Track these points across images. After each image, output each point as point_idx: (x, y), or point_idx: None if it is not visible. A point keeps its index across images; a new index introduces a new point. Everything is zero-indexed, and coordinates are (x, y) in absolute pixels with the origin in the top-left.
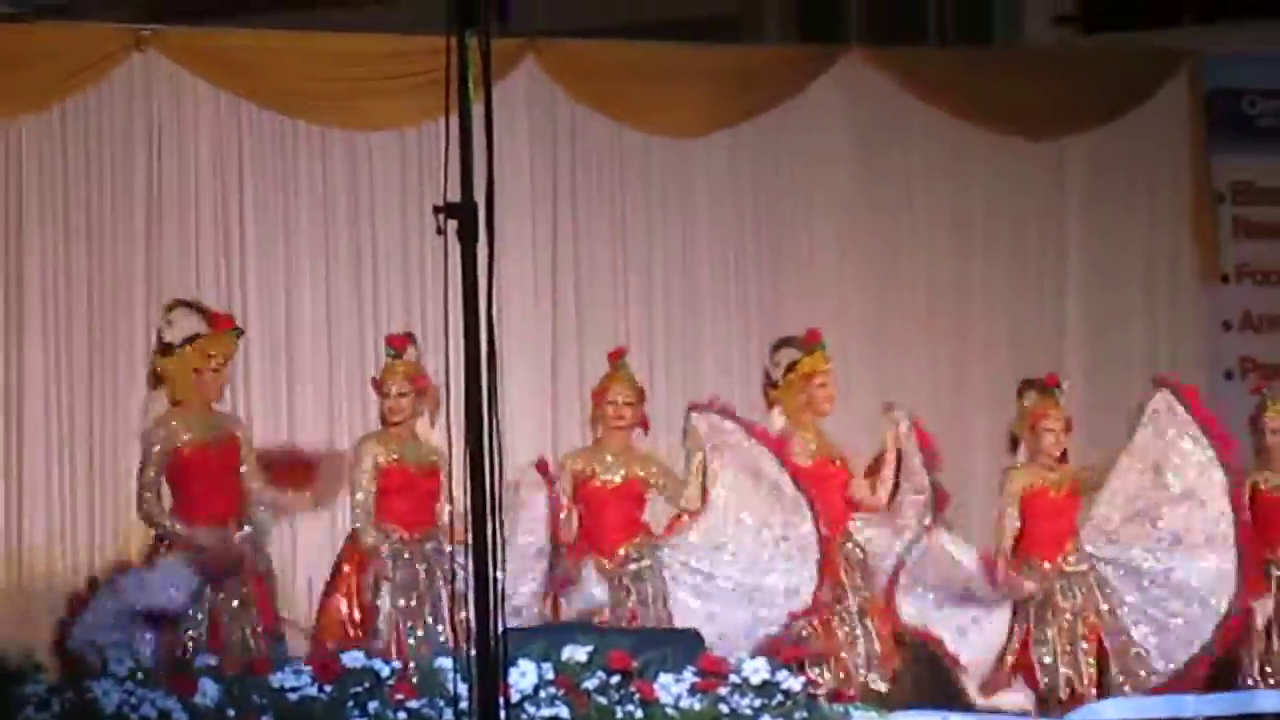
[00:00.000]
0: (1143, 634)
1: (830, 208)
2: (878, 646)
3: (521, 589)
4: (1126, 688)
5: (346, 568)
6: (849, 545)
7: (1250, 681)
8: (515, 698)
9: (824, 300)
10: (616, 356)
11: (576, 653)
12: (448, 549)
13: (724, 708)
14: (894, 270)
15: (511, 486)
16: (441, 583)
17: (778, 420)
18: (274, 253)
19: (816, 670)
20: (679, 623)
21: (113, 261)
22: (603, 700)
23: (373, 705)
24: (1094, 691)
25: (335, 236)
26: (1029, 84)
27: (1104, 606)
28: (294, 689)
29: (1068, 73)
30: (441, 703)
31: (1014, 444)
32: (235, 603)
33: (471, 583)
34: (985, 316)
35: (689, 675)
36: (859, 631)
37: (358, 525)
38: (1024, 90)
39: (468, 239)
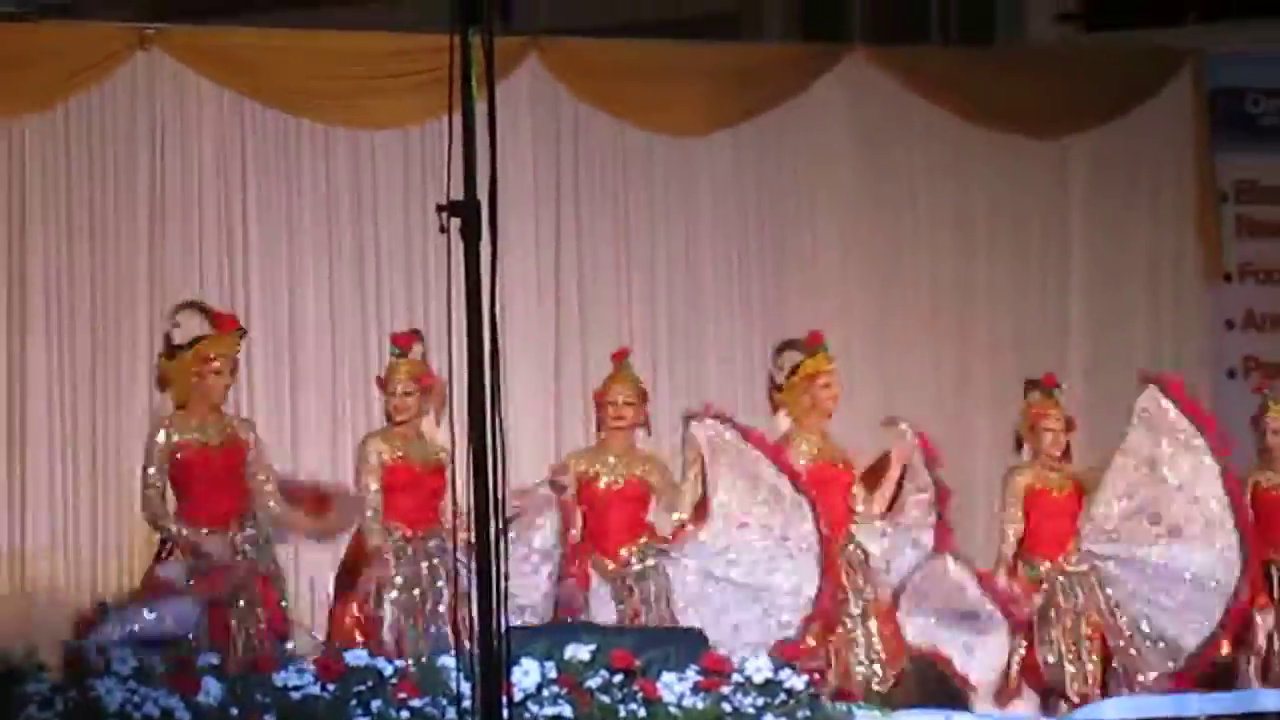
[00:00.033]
0: (1153, 622)
1: (833, 207)
2: (880, 646)
3: (530, 591)
4: (1131, 687)
5: (352, 574)
6: (850, 547)
7: (1252, 684)
8: (518, 696)
9: (827, 299)
10: (620, 357)
11: (579, 651)
12: (450, 546)
13: (727, 706)
14: (897, 269)
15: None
16: (445, 581)
17: (783, 423)
18: (277, 251)
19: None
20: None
21: (116, 260)
22: (605, 699)
23: (376, 704)
24: (1098, 691)
25: (338, 235)
26: (1032, 83)
27: (1106, 606)
28: (297, 688)
29: (1070, 72)
30: (444, 701)
31: (1019, 444)
32: (240, 602)
33: (474, 581)
34: (988, 315)
35: (692, 674)
36: (861, 632)
37: (363, 523)
38: (1027, 89)
39: (471, 237)
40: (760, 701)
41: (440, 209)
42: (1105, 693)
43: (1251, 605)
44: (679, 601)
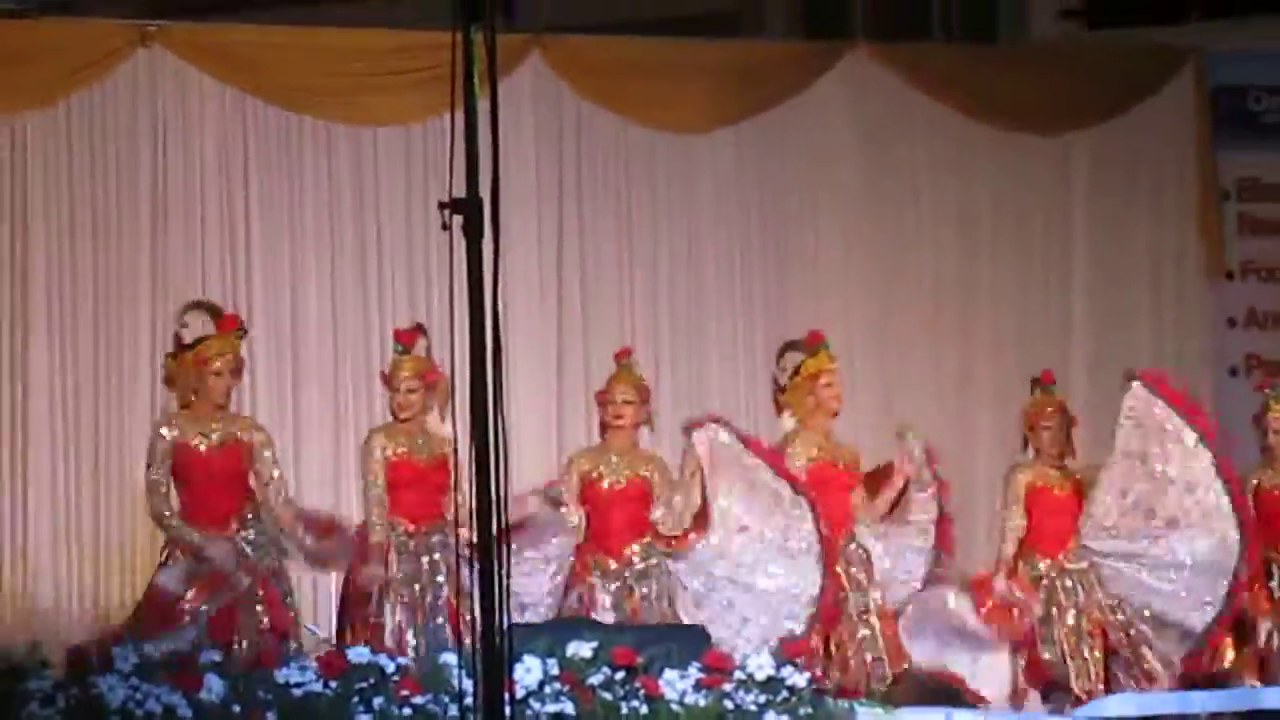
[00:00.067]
0: (1155, 609)
1: (835, 204)
2: (882, 644)
3: (534, 589)
4: (1136, 681)
5: (356, 571)
6: (852, 546)
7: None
8: (520, 693)
9: (829, 297)
10: (622, 356)
11: (581, 648)
12: (453, 542)
13: (729, 704)
14: (899, 267)
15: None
16: (446, 577)
17: (788, 424)
18: (279, 249)
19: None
20: None
21: (118, 258)
22: (608, 696)
23: (378, 701)
24: (1102, 687)
25: (341, 232)
26: (1034, 80)
27: (1107, 602)
28: (299, 685)
29: (1073, 69)
30: (446, 699)
31: (1026, 441)
32: (246, 599)
33: (476, 579)
34: (990, 313)
35: (694, 671)
36: (863, 630)
37: (368, 519)
38: (1029, 86)
39: (473, 235)
40: (762, 699)
41: (442, 206)
42: (1109, 688)
43: (1251, 587)
44: (682, 605)
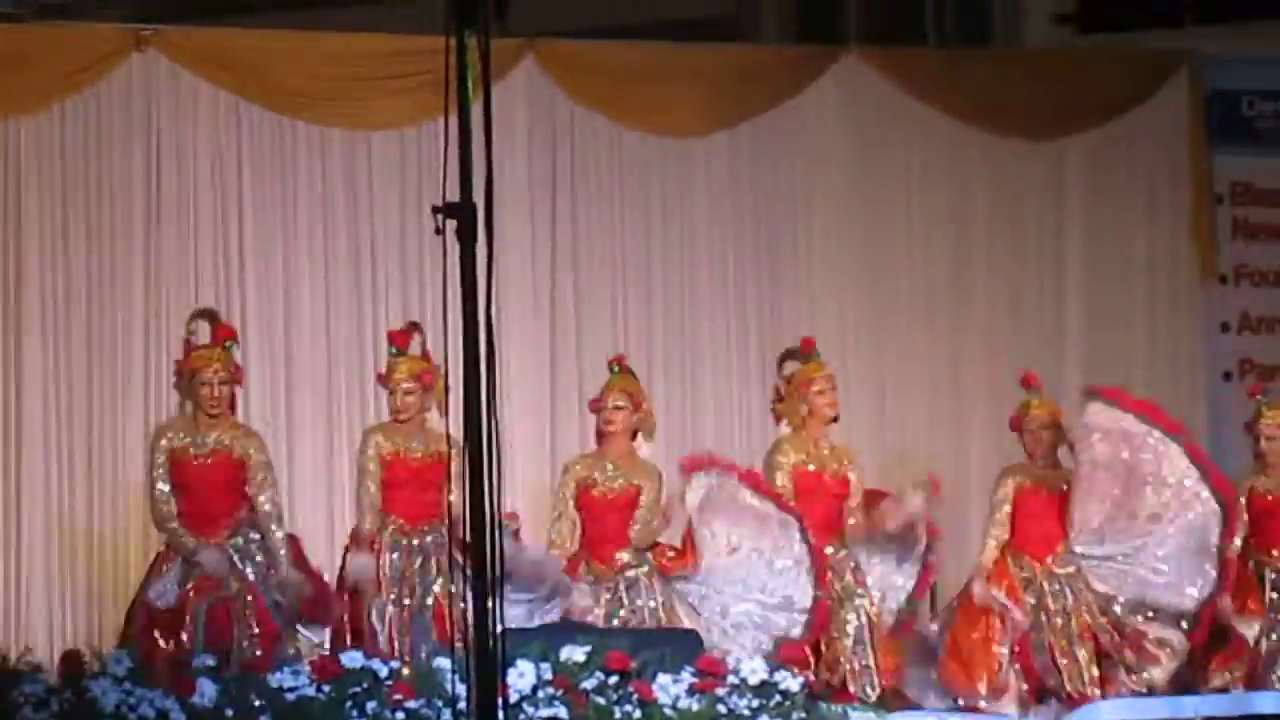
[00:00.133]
0: (1148, 597)
1: (829, 208)
2: (872, 654)
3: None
4: (1130, 679)
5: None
6: (841, 554)
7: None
8: (514, 698)
9: (822, 301)
10: (614, 363)
11: (575, 653)
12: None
13: (722, 708)
14: (893, 270)
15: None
16: (437, 575)
17: (783, 431)
18: (273, 252)
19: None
20: None
21: (111, 260)
22: (601, 700)
23: (371, 705)
24: (1096, 691)
25: (334, 236)
26: (1028, 85)
27: (1097, 604)
28: (292, 689)
29: (1067, 73)
30: (440, 703)
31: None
32: (236, 604)
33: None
34: (984, 317)
35: (687, 675)
36: (854, 634)
37: (360, 514)
38: (1023, 91)
39: (467, 239)
40: (755, 703)
41: (436, 210)
42: (1104, 691)
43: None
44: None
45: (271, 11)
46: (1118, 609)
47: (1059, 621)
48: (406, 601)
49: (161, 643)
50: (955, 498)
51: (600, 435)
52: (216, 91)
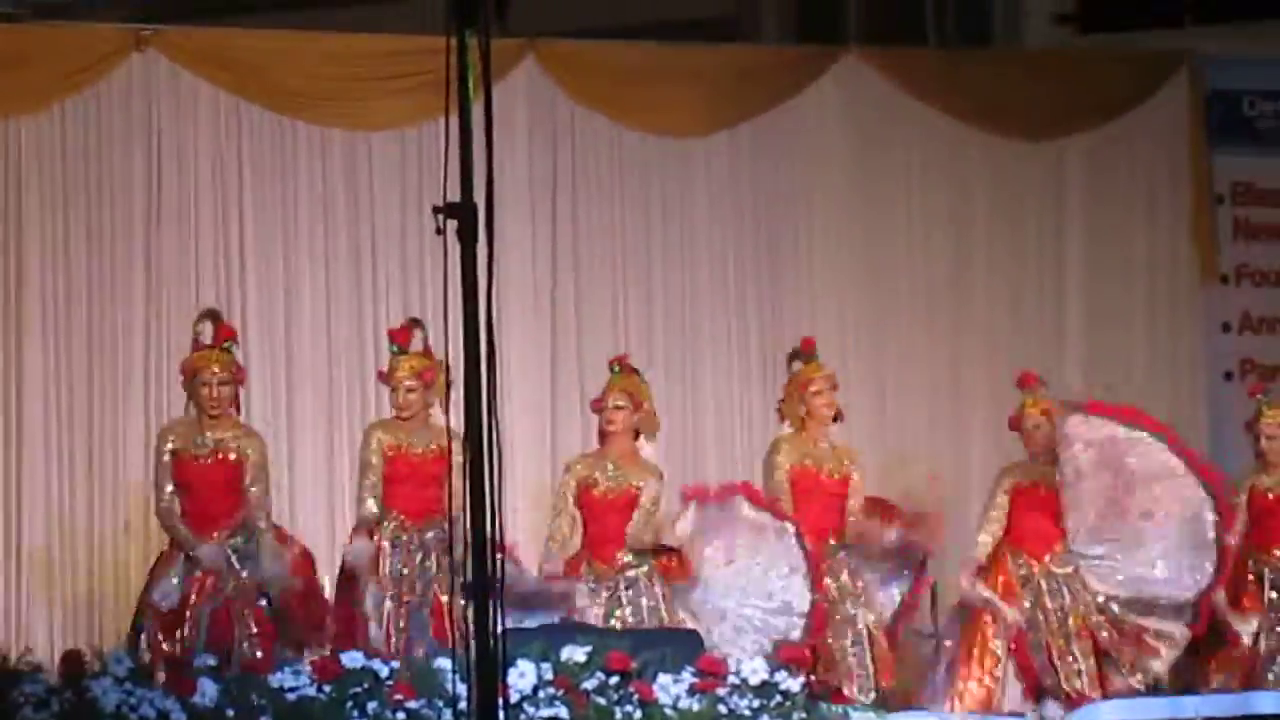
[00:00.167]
0: (1146, 592)
1: (829, 208)
2: (874, 648)
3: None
4: (1129, 677)
5: (350, 576)
6: (840, 555)
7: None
8: (514, 698)
9: (822, 300)
10: (614, 364)
11: (575, 653)
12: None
13: (723, 708)
14: (892, 271)
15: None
16: (436, 571)
17: (784, 431)
18: (273, 253)
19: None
20: None
21: (112, 261)
22: (601, 701)
23: (372, 705)
24: (1095, 691)
25: (335, 236)
26: (1028, 85)
27: (1095, 603)
28: (293, 689)
29: (1067, 74)
30: (440, 703)
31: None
32: (236, 605)
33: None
34: (984, 317)
35: (688, 676)
36: (854, 634)
37: (361, 504)
38: (1023, 91)
39: (467, 239)
40: (756, 703)
41: (437, 211)
42: (1104, 688)
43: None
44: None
45: (271, 11)
46: (1116, 607)
47: (1056, 621)
48: (406, 598)
49: (163, 644)
50: (956, 498)
51: (601, 435)
52: (216, 91)
